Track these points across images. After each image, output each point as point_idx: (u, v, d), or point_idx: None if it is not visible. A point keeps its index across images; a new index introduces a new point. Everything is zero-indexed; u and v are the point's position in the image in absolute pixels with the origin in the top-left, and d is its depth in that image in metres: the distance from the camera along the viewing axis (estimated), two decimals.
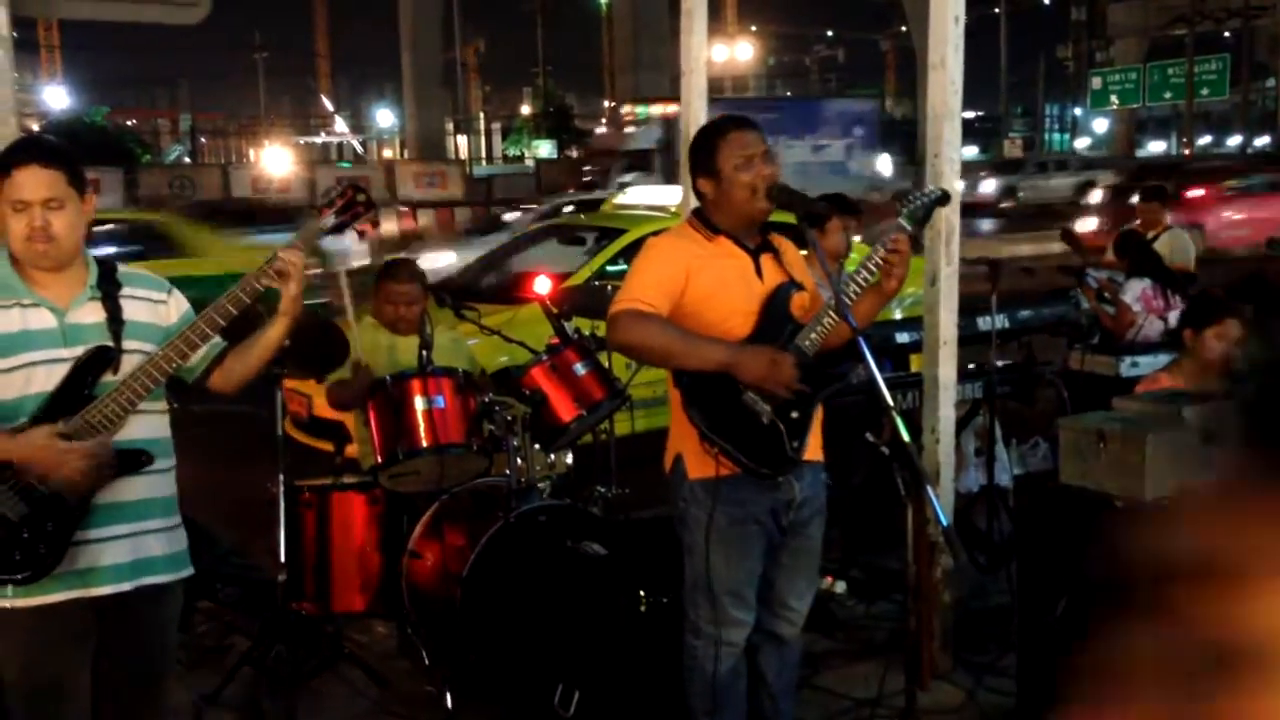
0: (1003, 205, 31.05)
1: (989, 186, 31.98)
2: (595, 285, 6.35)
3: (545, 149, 44.07)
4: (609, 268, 7.80)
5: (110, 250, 9.14)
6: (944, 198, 3.24)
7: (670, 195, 8.42)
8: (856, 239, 6.10)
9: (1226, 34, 48.15)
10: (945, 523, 2.74)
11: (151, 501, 2.77)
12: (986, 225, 26.66)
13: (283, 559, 4.01)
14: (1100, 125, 56.94)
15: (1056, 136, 64.19)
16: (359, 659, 4.28)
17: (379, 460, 4.01)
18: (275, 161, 23.65)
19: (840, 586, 4.81)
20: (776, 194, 3.09)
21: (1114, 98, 42.99)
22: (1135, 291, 6.70)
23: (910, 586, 3.83)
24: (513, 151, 51.62)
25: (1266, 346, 0.95)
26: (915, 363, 5.22)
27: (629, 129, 26.46)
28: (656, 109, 26.01)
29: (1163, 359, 5.96)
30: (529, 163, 42.96)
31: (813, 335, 3.05)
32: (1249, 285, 6.78)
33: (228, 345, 2.87)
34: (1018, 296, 6.21)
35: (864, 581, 4.89)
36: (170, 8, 3.96)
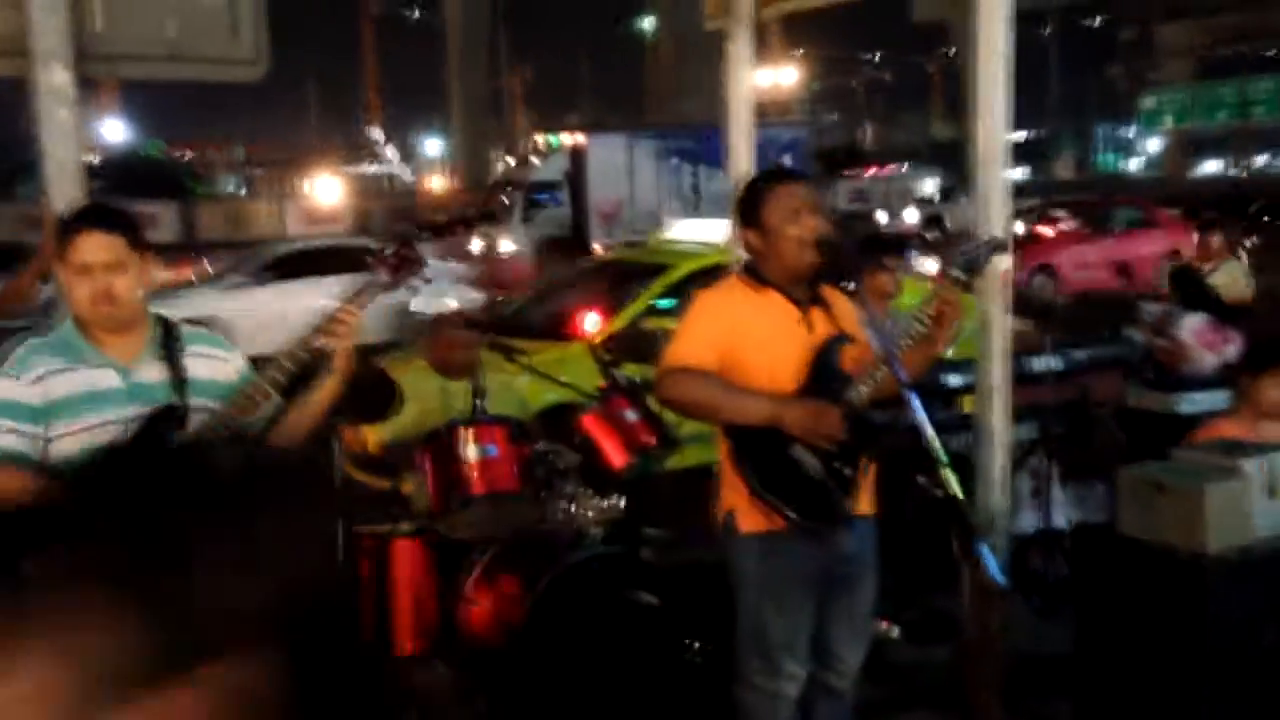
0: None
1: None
2: (644, 329, 6.38)
3: None
4: (657, 303, 7.84)
5: None
6: (998, 245, 3.24)
7: (717, 231, 8.43)
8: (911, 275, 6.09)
9: (1271, 52, 47.32)
10: (1001, 582, 2.72)
11: None
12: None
13: None
14: (1154, 145, 56.27)
15: (1108, 157, 63.52)
16: (416, 701, 4.31)
17: (434, 508, 4.05)
18: (327, 192, 23.93)
19: (895, 631, 4.78)
20: (824, 247, 3.11)
21: (1167, 117, 42.59)
22: (1190, 326, 6.61)
23: (965, 645, 3.79)
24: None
25: None
26: (968, 404, 5.19)
27: (534, 160, 25.32)
28: (568, 138, 24.81)
29: (1220, 396, 5.88)
30: None
31: (862, 388, 3.05)
32: None
33: (284, 403, 2.93)
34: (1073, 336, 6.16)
35: (918, 624, 4.85)
36: (231, 67, 4.05)
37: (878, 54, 66.85)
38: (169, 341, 2.83)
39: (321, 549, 3.83)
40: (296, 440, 2.99)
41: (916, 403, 2.90)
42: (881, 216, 27.18)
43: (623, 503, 4.60)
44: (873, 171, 32.21)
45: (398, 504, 4.44)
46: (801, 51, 53.53)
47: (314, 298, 9.04)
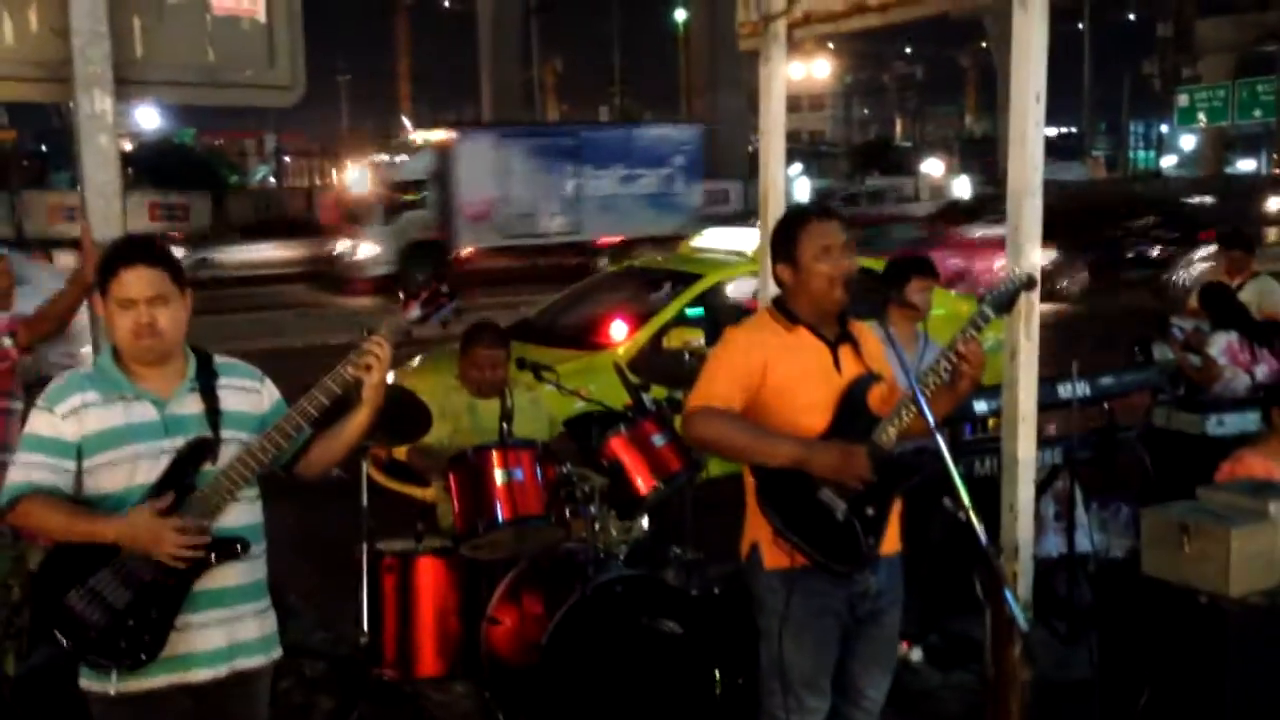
0: None
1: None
2: (672, 351, 6.39)
3: None
4: (686, 311, 7.84)
5: None
6: (1029, 283, 3.22)
7: (748, 239, 8.43)
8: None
9: None
10: (1025, 628, 2.73)
11: (246, 586, 2.87)
12: None
13: (365, 623, 4.11)
14: (1188, 142, 55.62)
15: (1142, 154, 62.85)
16: None
17: (459, 530, 4.09)
18: (358, 182, 23.91)
19: (916, 654, 4.79)
20: (855, 287, 3.12)
21: (1201, 115, 41.99)
22: (1221, 344, 6.58)
23: (987, 677, 3.80)
24: None
25: None
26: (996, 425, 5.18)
27: (401, 158, 23.94)
28: (438, 135, 23.82)
29: (1250, 418, 5.85)
30: None
31: (889, 429, 3.05)
32: None
33: (314, 433, 2.96)
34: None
35: (941, 649, 4.85)
36: (269, 92, 4.09)
37: (909, 48, 66.37)
38: (205, 374, 2.87)
39: None
40: (323, 471, 3.03)
41: (944, 446, 2.91)
42: None
43: (646, 524, 4.63)
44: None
45: (422, 519, 4.49)
46: (832, 45, 53.17)
47: None
